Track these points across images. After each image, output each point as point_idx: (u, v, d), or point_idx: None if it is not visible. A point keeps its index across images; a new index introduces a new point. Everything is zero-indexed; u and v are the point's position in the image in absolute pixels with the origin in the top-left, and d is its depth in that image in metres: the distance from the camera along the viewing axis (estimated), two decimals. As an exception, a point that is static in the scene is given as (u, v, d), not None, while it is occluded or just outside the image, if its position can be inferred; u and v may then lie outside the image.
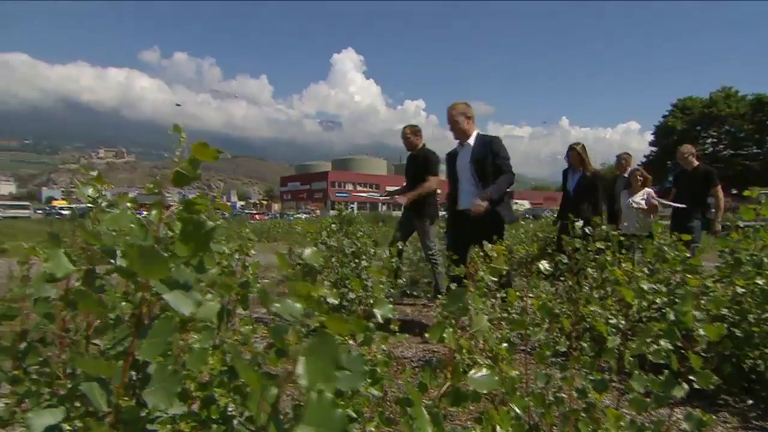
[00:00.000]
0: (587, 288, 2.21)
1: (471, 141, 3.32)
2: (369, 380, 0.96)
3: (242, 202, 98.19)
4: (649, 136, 48.69)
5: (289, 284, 0.58)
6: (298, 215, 45.67)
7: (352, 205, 67.44)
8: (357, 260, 3.26)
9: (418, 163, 4.18)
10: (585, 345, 1.19)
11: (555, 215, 5.29)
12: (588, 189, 4.25)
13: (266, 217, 47.10)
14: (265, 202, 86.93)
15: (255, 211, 56.25)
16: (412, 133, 4.27)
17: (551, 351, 1.13)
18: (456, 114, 3.31)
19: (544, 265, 1.31)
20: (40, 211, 51.40)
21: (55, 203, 66.88)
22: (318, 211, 54.04)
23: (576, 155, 4.33)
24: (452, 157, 3.43)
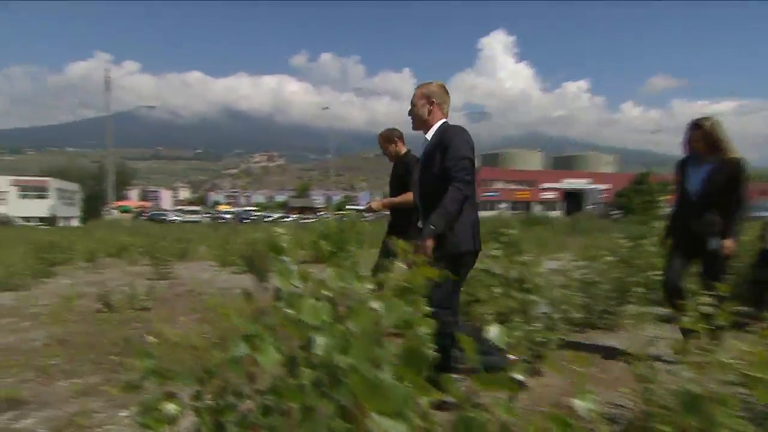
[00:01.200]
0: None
1: (430, 134, 2.60)
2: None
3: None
4: None
5: None
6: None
7: (502, 206, 65.41)
8: (523, 289, 3.07)
9: (399, 172, 3.70)
10: None
11: (670, 225, 3.44)
12: (727, 186, 3.04)
13: (410, 219, 49.28)
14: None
15: (399, 212, 58.74)
16: (385, 140, 3.82)
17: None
18: (415, 98, 2.63)
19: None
20: (207, 215, 61.59)
21: (219, 207, 79.96)
22: None
23: (705, 136, 3.09)
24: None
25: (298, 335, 0.95)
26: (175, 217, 47.90)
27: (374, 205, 3.64)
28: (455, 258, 2.41)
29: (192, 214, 54.79)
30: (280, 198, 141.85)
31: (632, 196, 45.64)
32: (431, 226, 2.31)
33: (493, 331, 1.03)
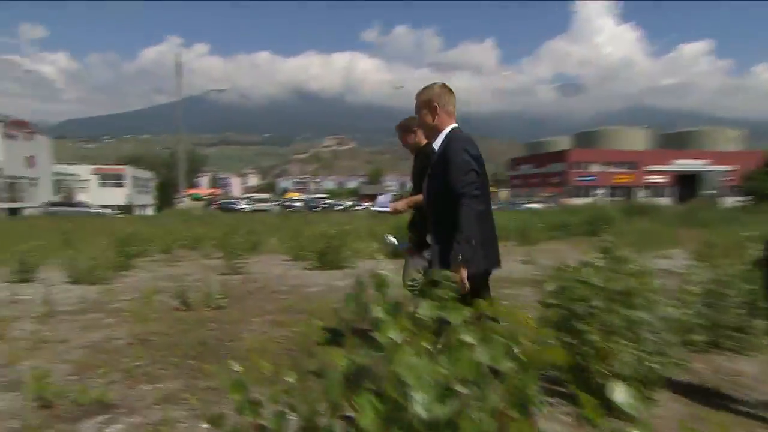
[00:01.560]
0: None
1: (439, 140, 2.64)
2: None
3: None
4: None
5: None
6: (531, 205, 44.69)
7: (599, 191, 62.10)
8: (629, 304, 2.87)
9: (421, 165, 3.53)
10: None
11: None
12: None
13: (493, 207, 47.68)
14: (491, 189, 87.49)
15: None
16: (403, 131, 3.71)
17: None
18: (417, 107, 2.68)
19: None
20: (277, 203, 64.30)
21: (288, 195, 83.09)
22: (558, 200, 51.78)
23: None
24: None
25: (397, 392, 0.95)
26: (245, 206, 50.64)
27: (400, 206, 3.51)
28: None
29: (261, 202, 57.68)
30: (351, 184, 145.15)
31: (764, 180, 41.39)
32: (458, 257, 2.35)
33: (618, 393, 0.96)
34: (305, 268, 8.94)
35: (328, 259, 9.24)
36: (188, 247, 12.90)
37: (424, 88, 2.70)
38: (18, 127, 46.15)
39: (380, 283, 1.28)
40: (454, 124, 2.64)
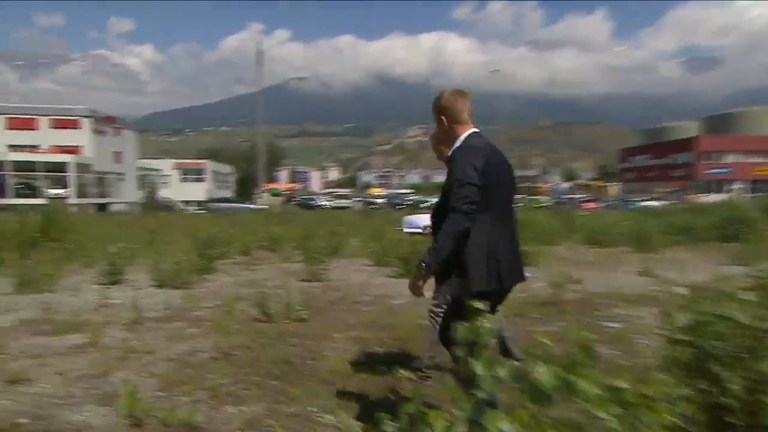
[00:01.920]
0: None
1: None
2: None
3: (568, 184, 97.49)
4: None
5: None
6: (648, 202, 42.13)
7: (735, 186, 57.19)
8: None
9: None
10: None
11: None
12: None
13: (601, 205, 45.48)
14: (598, 184, 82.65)
15: (584, 196, 53.70)
16: (437, 141, 3.32)
17: None
18: (434, 116, 2.84)
19: None
20: (358, 199, 65.54)
21: (370, 191, 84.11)
22: (682, 196, 48.30)
23: None
24: None
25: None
26: (325, 202, 52.12)
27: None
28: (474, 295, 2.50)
29: (342, 198, 59.04)
30: (439, 178, 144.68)
31: None
32: (422, 264, 2.55)
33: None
34: (389, 276, 9.05)
35: (413, 266, 9.29)
36: (268, 248, 13.55)
37: (443, 90, 2.85)
38: (107, 122, 50.94)
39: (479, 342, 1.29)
40: (471, 130, 2.75)
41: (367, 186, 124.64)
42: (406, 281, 8.71)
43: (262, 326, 5.59)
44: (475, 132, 2.75)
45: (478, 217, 2.52)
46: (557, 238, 14.16)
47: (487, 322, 1.26)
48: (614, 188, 72.74)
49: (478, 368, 1.21)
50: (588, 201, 45.93)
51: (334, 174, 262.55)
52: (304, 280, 8.52)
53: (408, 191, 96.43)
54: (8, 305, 6.62)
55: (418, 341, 4.84)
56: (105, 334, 5.17)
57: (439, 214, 2.76)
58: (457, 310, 2.58)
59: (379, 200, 57.86)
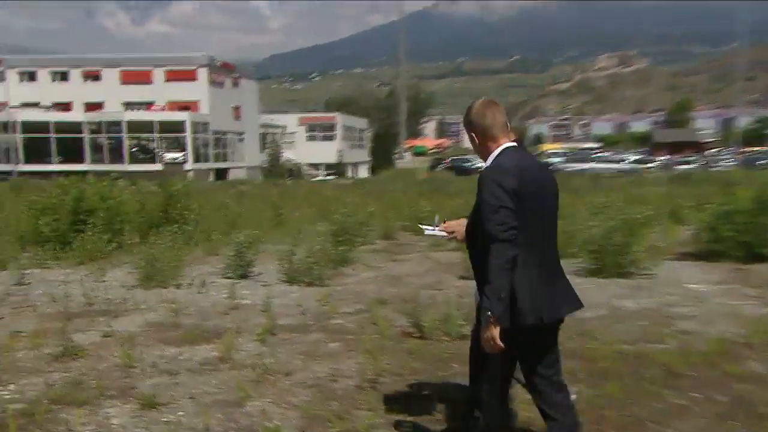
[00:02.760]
0: None
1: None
2: None
3: None
4: None
5: None
6: None
7: None
8: None
9: None
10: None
11: None
12: None
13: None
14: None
15: None
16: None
17: None
18: (466, 129, 3.27)
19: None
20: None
21: (544, 147, 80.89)
22: None
23: None
24: None
25: None
26: (481, 164, 51.37)
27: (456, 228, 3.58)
28: (510, 333, 2.86)
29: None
30: (638, 126, 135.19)
31: None
32: (487, 312, 2.83)
33: None
34: (575, 273, 8.77)
35: (606, 260, 8.97)
36: (413, 230, 13.91)
37: (473, 104, 3.23)
38: (225, 71, 54.95)
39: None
40: (504, 146, 3.08)
41: (538, 140, 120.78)
42: (597, 282, 8.46)
43: (415, 344, 5.79)
44: (508, 147, 3.07)
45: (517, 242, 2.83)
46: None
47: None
48: None
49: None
50: None
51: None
52: (463, 278, 8.61)
53: (594, 146, 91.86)
54: (135, 302, 7.59)
55: (625, 380, 4.71)
56: (237, 346, 5.72)
57: (473, 233, 3.10)
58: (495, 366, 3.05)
59: (556, 159, 55.44)
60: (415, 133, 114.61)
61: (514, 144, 3.10)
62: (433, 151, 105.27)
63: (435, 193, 22.93)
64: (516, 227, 2.81)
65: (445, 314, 6.12)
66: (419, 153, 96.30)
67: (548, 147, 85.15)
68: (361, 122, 75.87)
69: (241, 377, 4.91)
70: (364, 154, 72.87)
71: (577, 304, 3.13)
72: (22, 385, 4.85)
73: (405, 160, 74.59)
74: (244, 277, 9.07)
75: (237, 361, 5.39)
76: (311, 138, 65.96)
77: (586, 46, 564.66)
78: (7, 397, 4.63)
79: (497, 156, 3.05)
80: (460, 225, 3.49)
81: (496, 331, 2.82)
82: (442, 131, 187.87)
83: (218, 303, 7.57)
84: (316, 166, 60.92)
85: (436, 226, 3.64)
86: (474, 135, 3.15)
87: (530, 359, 3.08)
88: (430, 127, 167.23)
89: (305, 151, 62.96)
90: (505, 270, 2.80)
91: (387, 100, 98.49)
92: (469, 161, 52.96)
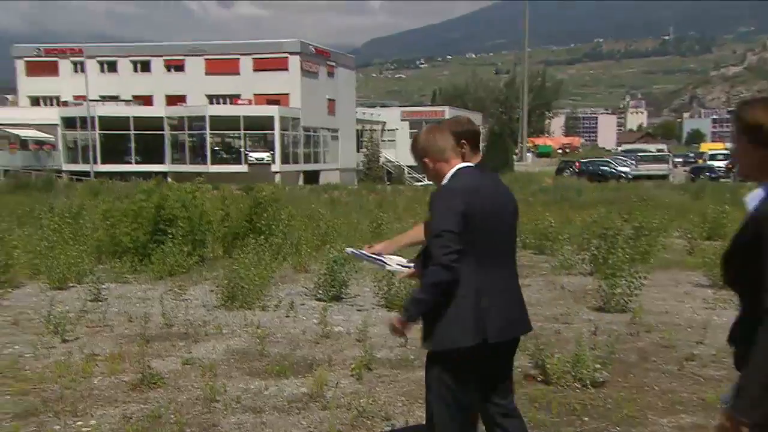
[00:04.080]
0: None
1: None
2: None
3: None
4: None
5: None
6: None
7: None
8: None
9: None
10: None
11: None
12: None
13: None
14: None
15: None
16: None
17: None
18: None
19: None
20: (680, 159, 60.63)
21: (706, 147, 75.27)
22: None
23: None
24: None
25: None
26: (625, 168, 49.33)
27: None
28: (448, 357, 3.27)
29: (652, 162, 54.56)
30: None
31: None
32: (405, 311, 3.36)
33: None
34: (731, 300, 8.28)
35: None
36: (533, 248, 13.70)
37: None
38: (319, 59, 55.94)
39: None
40: (459, 165, 3.49)
41: (698, 137, 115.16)
42: None
43: (539, 390, 5.66)
44: (462, 168, 3.47)
45: (464, 263, 3.16)
46: None
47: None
48: None
49: None
50: None
51: (637, 120, 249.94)
52: (597, 309, 8.35)
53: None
54: (216, 325, 7.89)
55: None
56: (329, 382, 5.83)
57: (425, 254, 3.46)
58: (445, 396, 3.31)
59: (718, 164, 51.58)
60: (539, 130, 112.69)
61: (470, 164, 3.56)
62: (560, 151, 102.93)
63: (560, 204, 22.49)
64: (459, 251, 3.14)
65: (575, 355, 5.94)
66: (543, 154, 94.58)
67: (709, 147, 79.08)
68: (474, 117, 75.24)
69: (333, 419, 5.00)
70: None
71: (526, 327, 3.54)
72: (99, 416, 5.16)
73: (526, 162, 73.27)
74: (337, 299, 9.24)
75: (329, 399, 5.49)
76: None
77: (763, 19, 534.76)
78: (85, 430, 4.93)
79: (450, 178, 3.45)
80: (386, 248, 3.99)
81: (406, 327, 3.34)
82: (571, 128, 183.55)
83: (308, 329, 7.75)
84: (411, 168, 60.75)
85: (362, 251, 4.00)
86: (427, 161, 3.54)
87: (482, 385, 3.43)
88: (557, 122, 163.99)
89: (406, 151, 62.82)
90: (435, 292, 3.20)
91: (506, 91, 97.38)
92: (606, 164, 50.98)
